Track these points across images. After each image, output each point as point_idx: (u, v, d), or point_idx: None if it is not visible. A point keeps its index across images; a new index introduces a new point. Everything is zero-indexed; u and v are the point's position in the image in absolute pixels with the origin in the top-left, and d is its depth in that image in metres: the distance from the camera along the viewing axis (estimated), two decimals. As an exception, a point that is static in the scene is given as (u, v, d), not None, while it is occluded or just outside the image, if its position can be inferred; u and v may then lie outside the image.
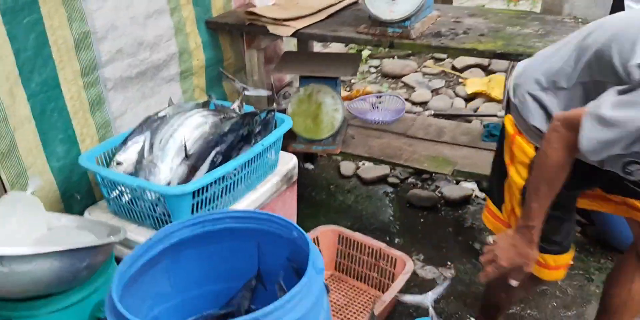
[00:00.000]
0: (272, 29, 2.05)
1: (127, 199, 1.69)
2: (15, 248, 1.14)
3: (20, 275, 1.18)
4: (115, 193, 1.70)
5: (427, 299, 1.67)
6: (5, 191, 1.60)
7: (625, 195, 1.46)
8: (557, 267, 1.54)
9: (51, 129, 1.69)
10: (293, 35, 2.05)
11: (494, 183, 1.59)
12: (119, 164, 1.73)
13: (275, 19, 2.04)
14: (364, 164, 3.04)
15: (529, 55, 1.79)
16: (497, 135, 2.46)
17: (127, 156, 1.75)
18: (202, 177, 1.59)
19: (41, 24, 1.57)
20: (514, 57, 1.82)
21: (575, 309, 2.15)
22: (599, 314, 1.73)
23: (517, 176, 1.43)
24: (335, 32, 2.03)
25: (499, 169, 1.52)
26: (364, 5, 1.95)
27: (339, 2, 2.30)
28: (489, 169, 2.27)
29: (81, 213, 1.82)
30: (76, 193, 1.85)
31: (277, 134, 1.85)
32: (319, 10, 2.18)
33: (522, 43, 1.87)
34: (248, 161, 1.74)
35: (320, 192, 2.85)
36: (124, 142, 1.79)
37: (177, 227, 1.35)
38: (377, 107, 2.87)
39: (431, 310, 1.65)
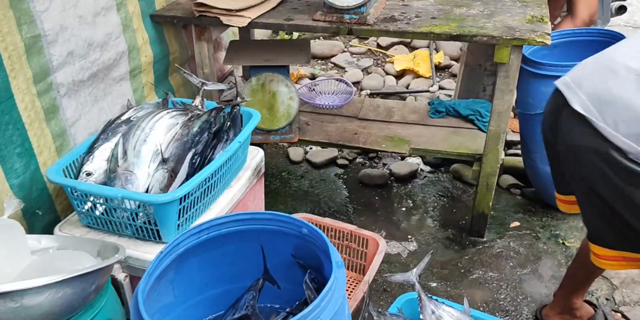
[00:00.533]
0: (225, 20, 1.98)
1: (101, 210, 1.61)
2: (28, 281, 1.06)
3: (32, 309, 1.10)
4: (87, 205, 1.61)
5: (412, 275, 1.75)
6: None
7: None
8: None
9: (7, 143, 1.55)
10: (248, 25, 2.00)
11: (623, 230, 1.50)
12: (89, 174, 1.63)
13: (227, 10, 1.98)
14: (311, 149, 3.06)
15: (483, 36, 1.89)
16: (442, 112, 2.57)
17: (96, 165, 1.66)
18: (189, 181, 1.54)
19: (-12, 30, 1.43)
20: (469, 38, 1.90)
21: (530, 266, 2.34)
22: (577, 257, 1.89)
23: None
24: (291, 21, 2.01)
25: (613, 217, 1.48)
26: (318, -8, 1.95)
27: (286, -12, 2.27)
28: (441, 144, 2.38)
29: (47, 230, 1.70)
30: (37, 209, 1.72)
31: (248, 130, 1.82)
32: (268, -2, 2.14)
33: (474, 24, 1.95)
34: (226, 160, 1.70)
35: (274, 180, 2.84)
36: (90, 150, 1.68)
37: (184, 237, 1.31)
38: (314, 89, 2.89)
39: (417, 286, 1.72)
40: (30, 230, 1.70)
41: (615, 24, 4.76)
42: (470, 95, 2.71)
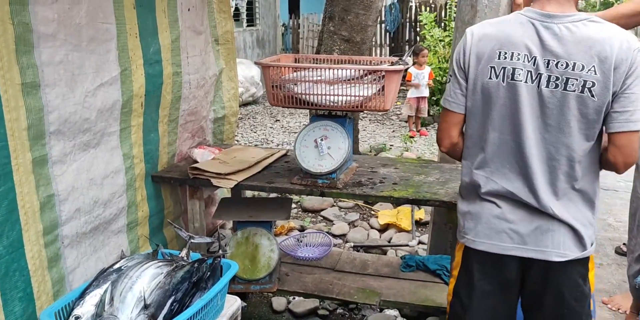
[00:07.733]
0: (215, 182, 2.31)
1: (83, 353, 1.75)
2: None
3: None
4: (72, 348, 1.76)
5: None
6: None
7: None
8: None
9: (12, 288, 1.76)
10: (235, 186, 2.32)
11: None
12: (77, 318, 1.81)
13: (218, 174, 2.32)
14: (294, 298, 3.19)
15: (435, 201, 2.18)
16: (412, 266, 2.78)
17: (85, 310, 1.84)
18: (165, 327, 1.71)
19: (13, 191, 1.73)
20: (423, 202, 2.19)
21: None
22: None
23: None
24: (272, 184, 2.33)
25: None
26: (296, 160, 2.29)
27: (271, 155, 2.64)
28: (410, 297, 2.55)
29: (32, 372, 1.83)
30: (27, 352, 1.86)
31: (225, 280, 2.02)
32: (255, 164, 2.50)
33: (428, 190, 2.26)
34: (202, 307, 1.88)
35: (255, 329, 2.95)
36: (81, 296, 1.88)
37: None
38: (301, 241, 3.13)
39: None
40: (16, 371, 1.83)
41: None
42: (439, 251, 2.93)
